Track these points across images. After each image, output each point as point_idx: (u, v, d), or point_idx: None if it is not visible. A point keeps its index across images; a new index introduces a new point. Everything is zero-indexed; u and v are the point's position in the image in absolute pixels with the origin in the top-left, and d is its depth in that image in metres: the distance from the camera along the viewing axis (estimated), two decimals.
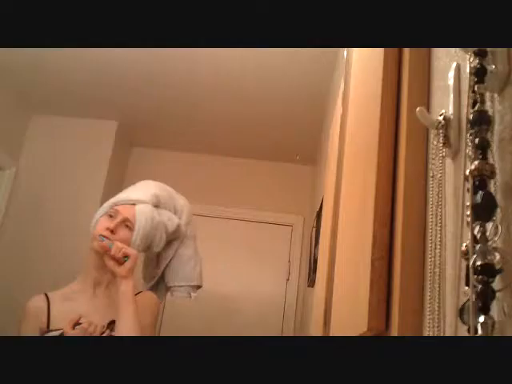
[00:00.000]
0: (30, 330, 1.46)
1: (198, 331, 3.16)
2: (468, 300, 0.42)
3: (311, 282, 2.39)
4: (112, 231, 1.50)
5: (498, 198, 0.45)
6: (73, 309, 1.47)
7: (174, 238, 1.70)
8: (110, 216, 1.54)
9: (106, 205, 1.59)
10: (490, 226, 0.43)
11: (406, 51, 0.76)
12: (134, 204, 1.57)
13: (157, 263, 1.72)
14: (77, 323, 1.37)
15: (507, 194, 0.45)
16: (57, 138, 3.46)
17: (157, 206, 1.63)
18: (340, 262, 1.04)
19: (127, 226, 1.54)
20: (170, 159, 3.83)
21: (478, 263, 0.41)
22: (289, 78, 2.73)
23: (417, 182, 0.67)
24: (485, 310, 0.40)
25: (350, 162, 1.09)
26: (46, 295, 1.54)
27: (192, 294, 1.74)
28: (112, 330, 1.39)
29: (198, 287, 1.76)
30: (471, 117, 0.47)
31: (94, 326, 1.36)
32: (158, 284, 1.76)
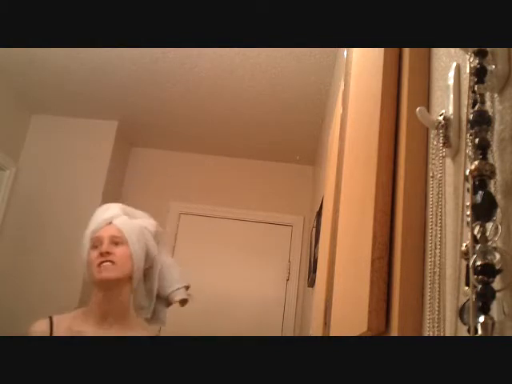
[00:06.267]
0: None
1: (197, 331, 3.16)
2: (468, 300, 0.42)
3: (311, 282, 2.39)
4: (107, 253, 1.45)
5: (498, 198, 0.45)
6: None
7: (156, 242, 1.65)
8: (96, 246, 1.49)
9: (86, 240, 1.53)
10: (490, 225, 0.43)
11: (406, 51, 0.76)
12: (110, 223, 1.53)
13: (149, 281, 1.66)
14: None
15: (507, 194, 0.45)
16: (57, 138, 3.46)
17: (127, 215, 1.60)
18: (340, 261, 1.04)
19: (117, 243, 1.49)
20: (170, 159, 3.84)
21: (478, 263, 0.41)
22: (289, 77, 2.73)
23: (417, 182, 0.67)
24: (485, 309, 0.40)
25: (350, 161, 1.09)
26: (51, 320, 1.48)
27: (188, 294, 1.73)
28: None
29: (187, 287, 1.75)
30: (471, 117, 0.47)
31: None
32: (155, 307, 1.69)
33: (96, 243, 1.49)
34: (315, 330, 1.52)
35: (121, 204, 1.65)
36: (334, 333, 1.02)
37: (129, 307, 1.55)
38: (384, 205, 0.72)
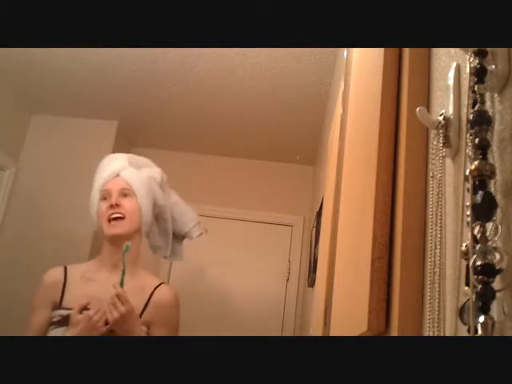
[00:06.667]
0: (42, 303, 1.47)
1: (197, 331, 3.16)
2: (468, 300, 0.42)
3: (311, 282, 2.39)
4: (117, 205, 1.50)
5: (498, 198, 0.45)
6: (87, 290, 1.45)
7: (162, 188, 1.73)
8: (105, 198, 1.54)
9: (95, 192, 1.59)
10: (490, 226, 0.43)
11: (406, 51, 0.76)
12: (117, 175, 1.58)
13: (162, 222, 1.74)
14: (85, 308, 1.37)
15: (507, 194, 0.45)
16: (57, 138, 3.46)
17: (133, 167, 1.65)
18: (340, 261, 1.04)
19: (126, 194, 1.54)
20: (170, 159, 3.83)
21: (478, 263, 0.41)
22: (289, 77, 2.73)
23: (417, 182, 0.67)
24: (485, 309, 0.40)
25: (349, 161, 1.09)
26: (66, 269, 1.54)
27: (204, 229, 1.85)
28: None
29: (199, 223, 1.87)
30: (471, 117, 0.47)
31: (100, 314, 1.35)
32: (172, 245, 1.80)
33: (105, 195, 1.54)
34: (315, 329, 1.52)
35: (125, 155, 1.69)
36: (334, 333, 1.02)
37: (138, 256, 1.61)
38: (384, 205, 0.72)
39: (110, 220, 1.50)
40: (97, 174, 1.63)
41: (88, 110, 3.39)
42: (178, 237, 1.82)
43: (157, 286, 1.53)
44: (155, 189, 1.64)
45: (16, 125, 3.36)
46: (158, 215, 1.69)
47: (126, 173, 1.58)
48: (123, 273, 1.39)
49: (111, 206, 1.51)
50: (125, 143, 3.71)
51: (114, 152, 3.44)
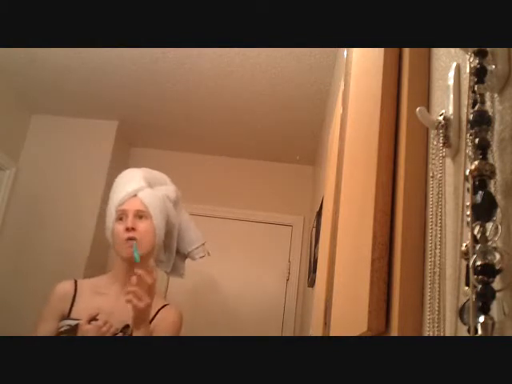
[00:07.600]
0: (51, 314, 1.50)
1: (197, 331, 3.16)
2: (468, 300, 0.42)
3: (311, 282, 2.39)
4: (133, 228, 1.51)
5: (498, 198, 0.45)
6: (97, 303, 1.48)
7: (175, 206, 1.75)
8: (121, 219, 1.55)
9: (111, 211, 1.60)
10: (490, 226, 0.43)
11: (406, 51, 0.76)
12: (134, 195, 1.59)
13: (167, 238, 1.75)
14: (93, 319, 1.39)
15: (507, 194, 0.45)
16: (57, 138, 3.46)
17: (150, 186, 1.66)
18: (340, 261, 1.04)
19: (141, 216, 1.56)
20: (170, 159, 3.83)
21: (478, 263, 0.41)
22: (289, 78, 2.73)
23: (417, 182, 0.67)
24: (485, 309, 0.40)
25: (349, 162, 1.09)
26: (76, 282, 1.57)
27: (207, 251, 1.87)
28: (125, 333, 1.40)
29: (203, 244, 1.88)
30: (471, 117, 0.47)
31: (109, 325, 1.37)
32: (174, 261, 1.82)
33: (121, 215, 1.56)
34: (315, 329, 1.52)
35: (142, 171, 1.70)
36: (334, 333, 1.02)
37: None
38: (384, 205, 0.72)
39: (127, 242, 1.52)
40: (113, 192, 1.65)
41: (88, 110, 3.39)
42: (181, 255, 1.84)
43: (163, 306, 1.56)
44: (169, 208, 1.67)
45: (16, 125, 3.36)
46: (167, 232, 1.71)
47: (143, 193, 1.61)
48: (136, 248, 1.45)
49: (127, 229, 1.53)
50: (124, 143, 3.72)
51: (113, 152, 3.46)
